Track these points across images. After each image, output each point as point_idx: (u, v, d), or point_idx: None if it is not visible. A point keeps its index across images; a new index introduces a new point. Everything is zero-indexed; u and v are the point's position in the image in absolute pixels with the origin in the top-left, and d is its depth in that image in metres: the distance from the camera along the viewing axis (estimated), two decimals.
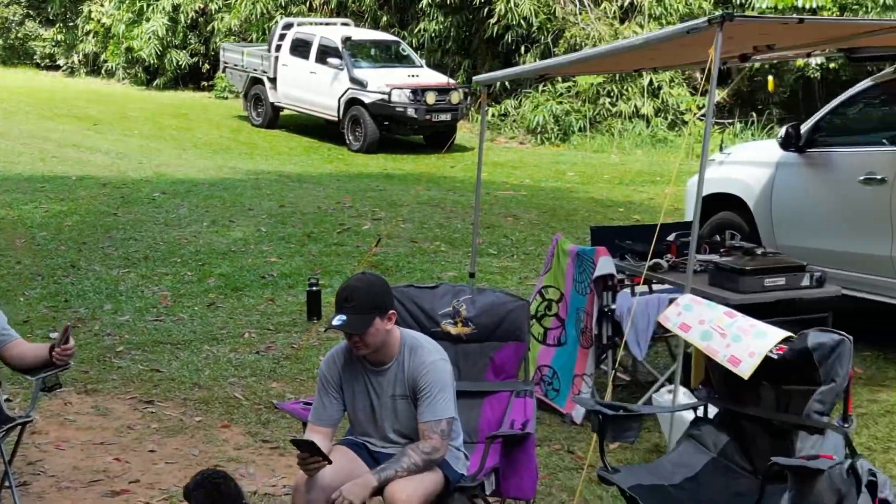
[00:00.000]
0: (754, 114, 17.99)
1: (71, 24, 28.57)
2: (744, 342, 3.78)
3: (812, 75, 16.97)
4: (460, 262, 9.32)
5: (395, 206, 11.97)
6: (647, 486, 3.76)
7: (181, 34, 24.89)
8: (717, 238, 6.74)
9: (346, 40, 17.59)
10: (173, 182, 13.20)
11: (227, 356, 6.79)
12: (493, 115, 18.92)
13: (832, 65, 16.31)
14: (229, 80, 21.55)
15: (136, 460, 5.16)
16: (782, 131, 7.31)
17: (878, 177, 6.61)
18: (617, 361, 5.83)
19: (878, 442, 5.54)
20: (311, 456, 3.60)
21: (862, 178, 6.71)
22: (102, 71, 27.40)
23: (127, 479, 4.94)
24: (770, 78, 16.13)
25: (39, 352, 4.30)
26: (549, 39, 18.95)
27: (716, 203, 7.65)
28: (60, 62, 29.06)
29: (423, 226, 11.00)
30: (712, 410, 4.11)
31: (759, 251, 6.22)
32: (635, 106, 18.18)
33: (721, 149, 8.29)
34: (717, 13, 4.88)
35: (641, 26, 18.24)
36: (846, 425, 3.69)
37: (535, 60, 17.91)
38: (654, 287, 6.08)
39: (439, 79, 17.48)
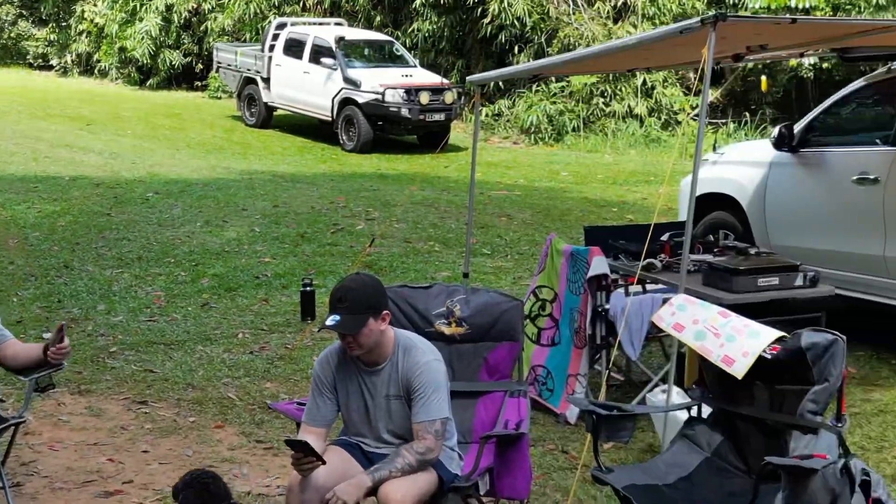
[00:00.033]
0: (748, 114, 18.02)
1: (64, 23, 28.51)
2: (738, 342, 3.79)
3: (805, 75, 17.01)
4: (454, 263, 9.32)
5: (388, 206, 11.96)
6: (641, 485, 3.76)
7: (174, 34, 24.85)
8: (711, 238, 6.75)
9: (340, 40, 17.58)
10: (167, 182, 13.18)
11: (221, 356, 6.78)
12: (486, 115, 18.92)
13: (825, 65, 16.35)
14: (223, 80, 21.52)
15: (130, 461, 5.15)
16: (775, 131, 7.33)
17: (871, 176, 6.63)
18: (611, 361, 5.82)
19: (872, 441, 5.55)
20: (304, 456, 3.60)
21: (855, 177, 6.72)
22: (95, 71, 27.34)
23: (120, 479, 4.93)
24: (763, 78, 16.12)
25: (32, 352, 4.28)
26: (542, 39, 18.96)
27: (709, 203, 7.66)
28: (53, 62, 28.99)
29: (416, 226, 10.99)
30: (706, 410, 4.11)
31: (752, 251, 6.24)
32: (629, 106, 18.20)
33: (714, 149, 8.30)
34: (710, 13, 4.89)
35: (635, 26, 18.26)
36: (840, 425, 3.70)
37: (528, 60, 17.92)
38: (648, 287, 6.09)
39: (433, 79, 17.48)
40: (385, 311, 3.81)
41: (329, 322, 3.71)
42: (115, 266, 8.97)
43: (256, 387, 6.24)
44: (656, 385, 5.79)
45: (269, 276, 8.81)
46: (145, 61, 24.80)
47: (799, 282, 5.78)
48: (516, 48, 19.27)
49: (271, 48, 18.56)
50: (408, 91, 16.42)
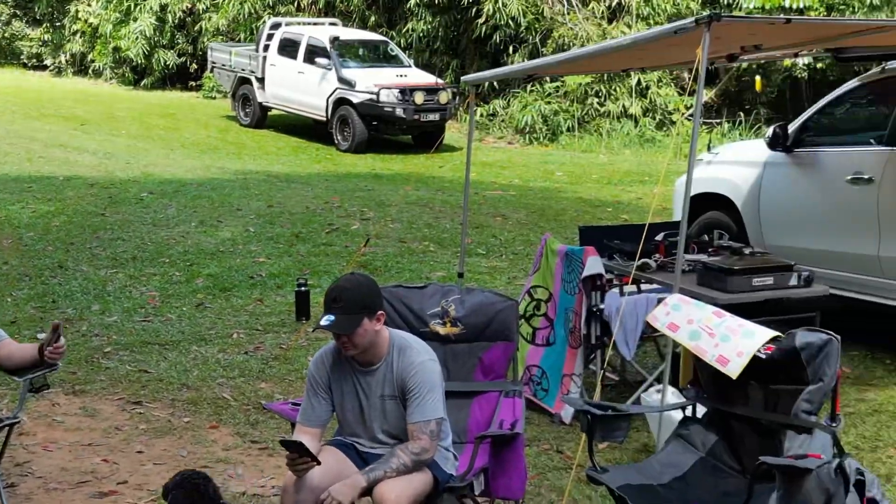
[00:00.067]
0: (742, 114, 18.04)
1: (58, 23, 28.47)
2: (732, 342, 3.79)
3: (799, 75, 17.03)
4: (449, 262, 9.32)
5: (383, 206, 11.96)
6: (636, 485, 3.77)
7: (169, 34, 24.83)
8: (706, 238, 6.76)
9: (335, 40, 17.57)
10: (161, 182, 13.16)
11: (216, 357, 6.77)
12: (481, 115, 18.93)
13: (819, 65, 16.38)
14: (217, 80, 21.51)
15: (124, 461, 5.14)
16: (770, 131, 7.34)
17: (866, 176, 6.64)
18: (606, 361, 5.84)
19: (866, 441, 5.56)
20: (299, 456, 3.60)
21: (849, 177, 6.73)
22: (90, 71, 27.31)
23: (115, 480, 4.92)
24: (757, 78, 16.18)
25: (28, 352, 4.27)
26: (537, 39, 18.97)
27: (704, 203, 7.67)
28: (48, 62, 28.96)
29: (411, 226, 10.99)
30: (701, 410, 4.12)
31: (747, 251, 6.24)
32: (623, 106, 18.22)
33: (709, 148, 8.31)
34: (704, 13, 4.89)
35: (629, 26, 18.28)
36: (834, 424, 3.70)
37: (523, 60, 17.93)
38: (643, 287, 6.10)
39: (428, 79, 17.47)
40: (380, 312, 3.81)
41: (324, 322, 3.70)
42: (109, 266, 8.96)
43: (251, 387, 6.23)
44: (651, 385, 5.80)
45: (264, 276, 8.80)
46: (139, 61, 24.78)
47: (793, 282, 5.78)
48: (511, 48, 19.29)
49: (266, 48, 18.54)
50: (402, 91, 16.41)
